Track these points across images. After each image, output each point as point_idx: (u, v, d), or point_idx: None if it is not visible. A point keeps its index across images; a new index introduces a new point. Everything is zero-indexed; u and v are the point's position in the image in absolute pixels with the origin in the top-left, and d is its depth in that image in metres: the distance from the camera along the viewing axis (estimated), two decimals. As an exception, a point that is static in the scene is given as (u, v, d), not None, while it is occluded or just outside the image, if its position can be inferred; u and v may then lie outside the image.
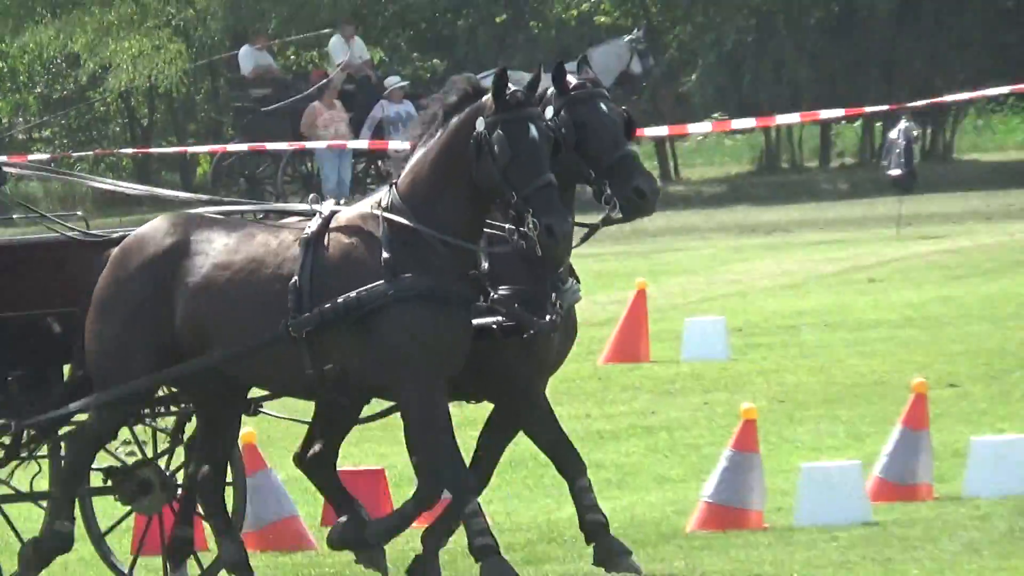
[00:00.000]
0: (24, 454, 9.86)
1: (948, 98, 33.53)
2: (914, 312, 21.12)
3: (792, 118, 32.89)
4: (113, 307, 9.33)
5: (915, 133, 32.55)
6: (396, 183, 9.41)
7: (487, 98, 9.08)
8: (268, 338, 9.21)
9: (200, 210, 9.82)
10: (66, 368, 9.75)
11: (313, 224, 9.49)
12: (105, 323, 9.36)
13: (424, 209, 9.15)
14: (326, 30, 39.35)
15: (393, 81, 37.03)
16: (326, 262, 9.26)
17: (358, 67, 37.65)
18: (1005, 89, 29.50)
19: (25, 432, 9.59)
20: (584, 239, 9.82)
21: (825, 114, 32.38)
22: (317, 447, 9.83)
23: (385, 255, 8.96)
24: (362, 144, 33.07)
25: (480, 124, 9.02)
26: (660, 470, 13.35)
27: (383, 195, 9.43)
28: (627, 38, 36.47)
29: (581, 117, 9.45)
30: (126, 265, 9.61)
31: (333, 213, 9.44)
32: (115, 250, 9.76)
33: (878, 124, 39.29)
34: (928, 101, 32.67)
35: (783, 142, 41.65)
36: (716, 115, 36.62)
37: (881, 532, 10.98)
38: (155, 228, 9.62)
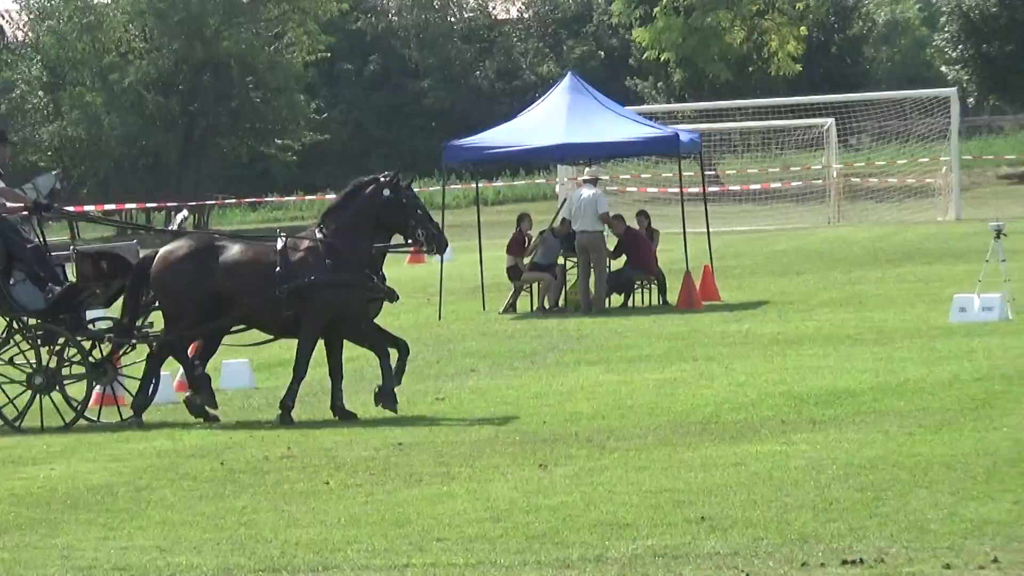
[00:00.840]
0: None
1: None
2: None
3: None
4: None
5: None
6: (321, 226, 17.64)
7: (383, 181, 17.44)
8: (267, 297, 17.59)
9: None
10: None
11: (279, 243, 17.57)
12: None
13: (341, 237, 17.58)
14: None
15: None
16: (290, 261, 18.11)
17: None
18: None
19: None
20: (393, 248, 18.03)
21: None
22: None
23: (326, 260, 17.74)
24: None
25: (386, 192, 17.29)
26: None
27: (316, 231, 17.62)
28: None
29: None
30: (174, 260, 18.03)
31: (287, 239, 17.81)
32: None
33: None
34: None
35: None
36: None
37: None
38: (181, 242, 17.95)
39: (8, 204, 17.02)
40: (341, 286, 17.01)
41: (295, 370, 17.09)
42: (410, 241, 16.95)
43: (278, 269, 16.73)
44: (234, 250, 17.17)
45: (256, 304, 16.96)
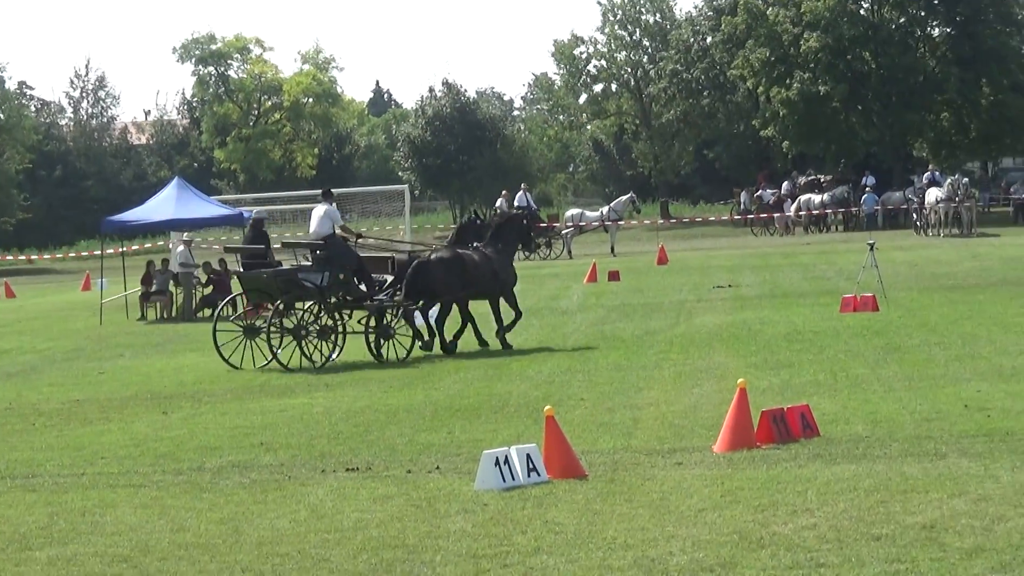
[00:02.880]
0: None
1: None
2: None
3: None
4: None
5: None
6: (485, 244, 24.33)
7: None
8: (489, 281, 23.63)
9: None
10: None
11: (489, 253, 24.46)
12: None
13: (504, 249, 25.43)
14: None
15: None
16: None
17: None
18: None
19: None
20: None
21: None
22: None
23: None
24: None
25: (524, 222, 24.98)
26: None
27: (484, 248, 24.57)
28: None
29: None
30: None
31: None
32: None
33: None
34: None
35: None
36: None
37: None
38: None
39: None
40: (511, 275, 24.50)
41: (517, 313, 24.40)
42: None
43: (494, 268, 24.11)
44: (473, 257, 24.18)
45: (485, 285, 24.09)
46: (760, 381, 17.65)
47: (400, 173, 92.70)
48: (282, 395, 19.69)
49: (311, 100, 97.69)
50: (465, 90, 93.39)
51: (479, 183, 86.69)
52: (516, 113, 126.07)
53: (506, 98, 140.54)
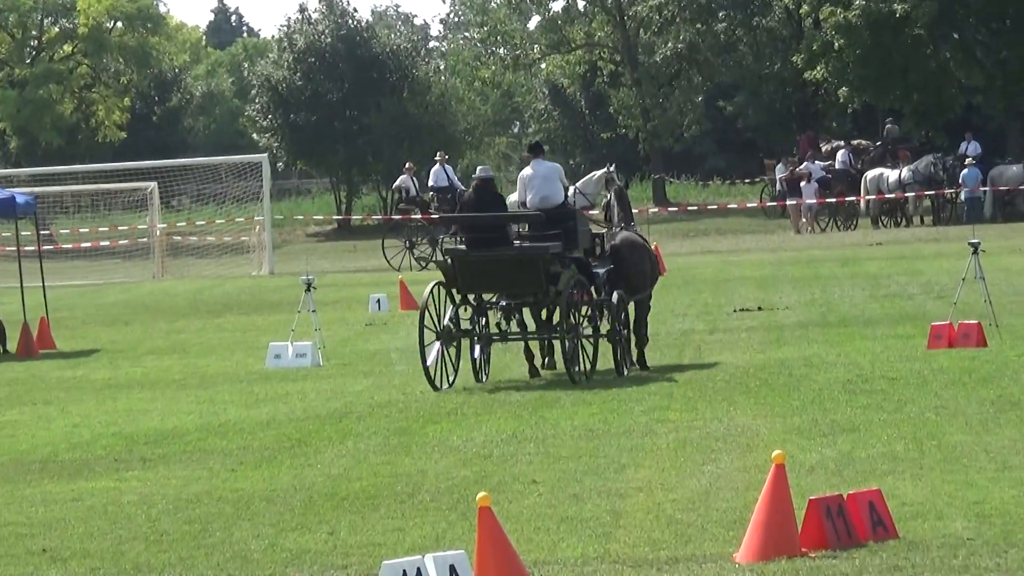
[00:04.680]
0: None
1: None
2: None
3: None
4: None
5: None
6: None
7: None
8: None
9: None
10: None
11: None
12: None
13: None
14: None
15: None
16: None
17: None
18: None
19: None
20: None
21: None
22: None
23: None
24: None
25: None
26: None
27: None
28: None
29: None
30: None
31: None
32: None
33: None
34: None
35: None
36: None
37: None
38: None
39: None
40: None
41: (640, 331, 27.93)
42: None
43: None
44: (644, 243, 28.39)
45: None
46: (806, 454, 18.39)
47: (256, 136, 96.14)
48: (75, 476, 20.24)
49: (119, 25, 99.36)
50: (355, 9, 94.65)
51: (376, 151, 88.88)
52: (433, 45, 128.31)
53: (417, 21, 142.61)
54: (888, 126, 72.20)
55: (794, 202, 66.66)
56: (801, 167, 68.77)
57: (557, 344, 26.43)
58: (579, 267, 26.58)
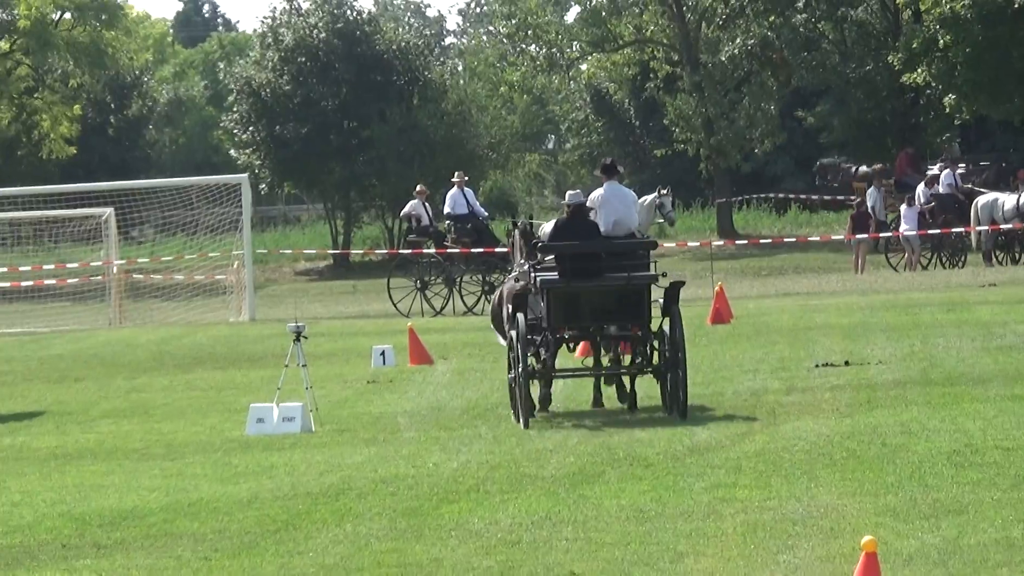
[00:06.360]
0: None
1: None
2: None
3: None
4: None
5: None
6: None
7: None
8: None
9: None
10: None
11: None
12: None
13: None
14: None
15: None
16: None
17: None
18: None
19: None
20: None
21: None
22: None
23: None
24: None
25: None
26: None
27: None
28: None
29: None
30: None
31: None
32: None
33: None
34: None
35: None
36: None
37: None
38: None
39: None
40: None
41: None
42: None
43: None
44: None
45: None
46: (903, 540, 18.77)
47: (234, 152, 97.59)
48: (14, 565, 20.75)
49: (67, 17, 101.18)
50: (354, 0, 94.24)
51: (380, 170, 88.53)
52: (449, 42, 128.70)
53: (431, 13, 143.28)
54: (947, 144, 72.53)
55: (859, 236, 66.45)
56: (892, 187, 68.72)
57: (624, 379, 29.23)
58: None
